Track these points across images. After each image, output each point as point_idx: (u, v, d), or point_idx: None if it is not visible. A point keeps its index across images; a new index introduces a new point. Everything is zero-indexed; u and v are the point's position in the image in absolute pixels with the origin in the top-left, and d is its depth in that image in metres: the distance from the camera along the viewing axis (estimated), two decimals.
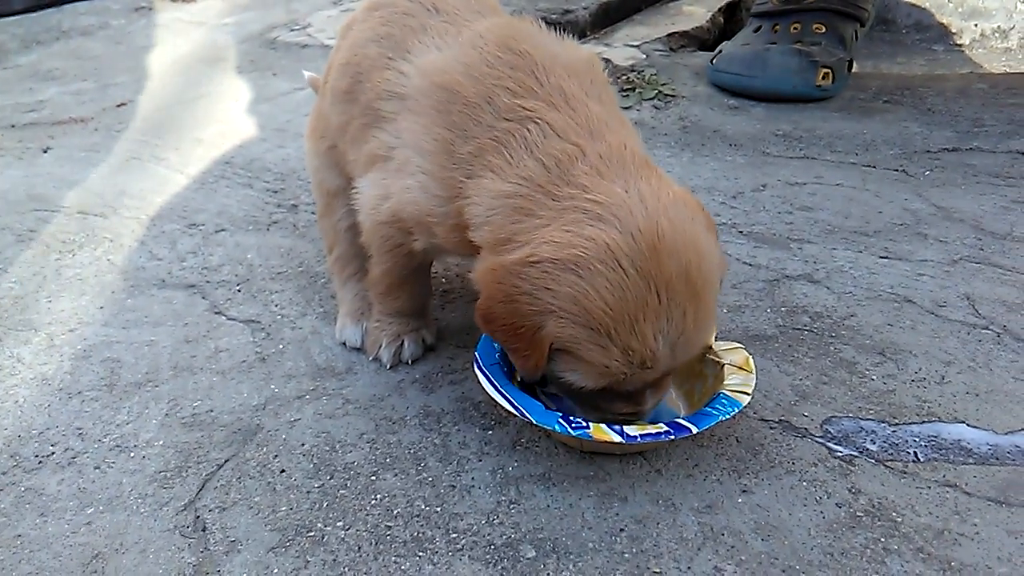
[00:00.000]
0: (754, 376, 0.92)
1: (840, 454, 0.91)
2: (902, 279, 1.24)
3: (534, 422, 0.86)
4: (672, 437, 0.84)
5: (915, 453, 0.91)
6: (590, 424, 0.85)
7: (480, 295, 0.85)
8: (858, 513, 0.84)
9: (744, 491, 0.87)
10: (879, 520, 0.83)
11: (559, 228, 0.80)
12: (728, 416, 0.86)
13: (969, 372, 1.04)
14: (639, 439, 0.83)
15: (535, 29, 0.95)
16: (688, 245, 0.79)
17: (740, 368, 0.94)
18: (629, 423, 0.87)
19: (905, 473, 0.89)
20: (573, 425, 0.85)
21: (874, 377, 1.03)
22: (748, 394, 0.89)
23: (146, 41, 2.66)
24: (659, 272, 0.77)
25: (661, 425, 0.85)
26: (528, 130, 0.86)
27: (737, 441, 0.93)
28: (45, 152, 1.84)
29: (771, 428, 0.95)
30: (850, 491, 0.86)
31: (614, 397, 0.86)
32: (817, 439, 0.93)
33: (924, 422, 0.96)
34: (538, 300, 0.79)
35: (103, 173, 1.71)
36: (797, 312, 1.16)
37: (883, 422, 0.96)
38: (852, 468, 0.89)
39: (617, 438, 0.83)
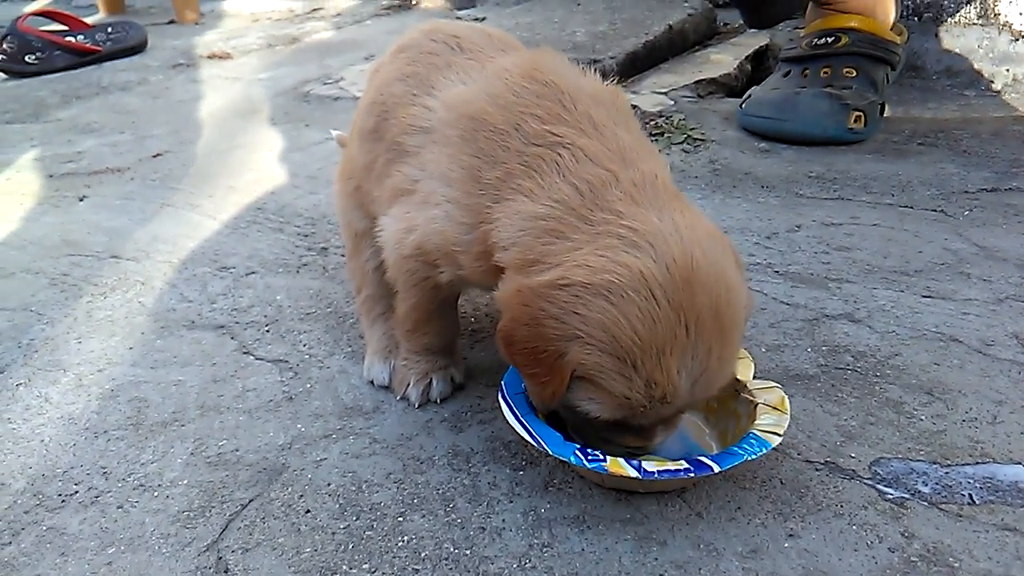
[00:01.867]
0: (788, 417, 0.88)
1: (891, 496, 0.86)
2: (947, 318, 1.20)
3: (550, 452, 0.83)
4: (692, 475, 0.81)
5: (970, 495, 0.86)
6: (607, 458, 0.82)
7: (503, 317, 0.83)
8: (912, 558, 0.79)
9: (791, 535, 0.82)
10: (935, 566, 0.78)
11: (592, 252, 0.78)
12: (754, 457, 0.82)
13: (1022, 412, 0.99)
14: (657, 475, 0.80)
15: (559, 61, 0.95)
16: (720, 280, 0.78)
17: (774, 408, 0.90)
18: (634, 456, 0.84)
19: (961, 516, 0.83)
20: (589, 458, 0.82)
21: (923, 417, 0.98)
22: (779, 435, 0.85)
23: (183, 95, 2.73)
24: (691, 305, 0.75)
25: (682, 462, 0.82)
26: (559, 155, 0.85)
27: (782, 483, 0.89)
28: (81, 200, 1.87)
29: (817, 470, 0.90)
30: (903, 535, 0.81)
31: (624, 430, 0.83)
32: (866, 481, 0.89)
33: (978, 463, 0.91)
34: (565, 324, 0.77)
35: (137, 220, 1.73)
36: (839, 351, 1.12)
37: (934, 463, 0.91)
38: (904, 511, 0.84)
39: (634, 473, 0.80)
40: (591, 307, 0.76)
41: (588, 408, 0.80)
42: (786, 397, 0.91)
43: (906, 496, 0.86)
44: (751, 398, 0.93)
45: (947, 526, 0.82)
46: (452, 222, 0.90)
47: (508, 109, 0.89)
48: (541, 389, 0.81)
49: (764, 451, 0.83)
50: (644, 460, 0.83)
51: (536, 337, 0.78)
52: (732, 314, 0.78)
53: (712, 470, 0.81)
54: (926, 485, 0.88)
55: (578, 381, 0.79)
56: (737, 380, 0.94)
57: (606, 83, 0.96)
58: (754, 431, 0.87)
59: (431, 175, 0.94)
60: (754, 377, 0.96)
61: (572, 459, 0.82)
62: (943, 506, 0.85)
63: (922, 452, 0.93)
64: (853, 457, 0.92)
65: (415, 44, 1.07)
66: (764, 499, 0.87)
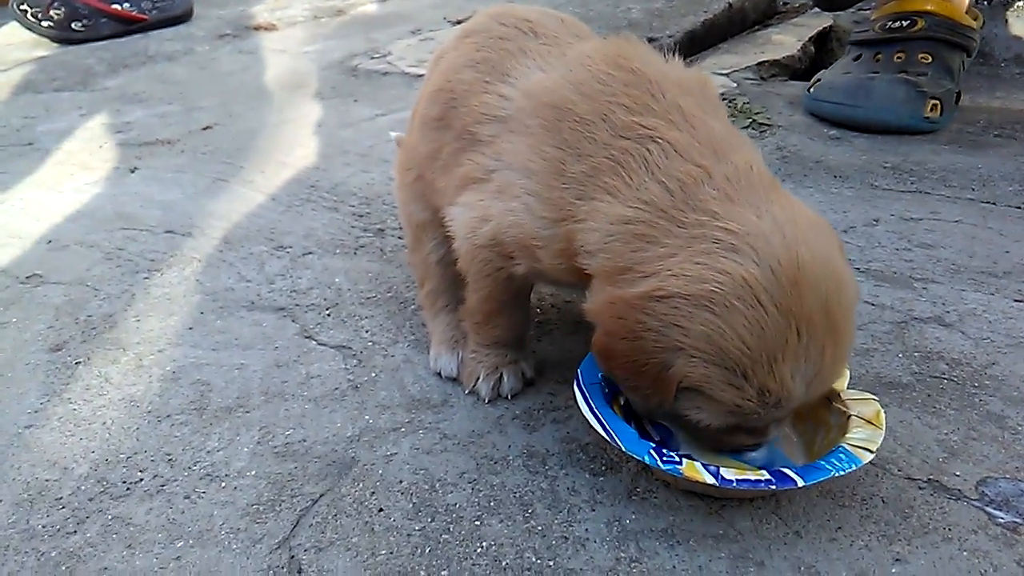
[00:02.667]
0: (882, 433, 0.83)
1: (1002, 521, 0.81)
2: None
3: (623, 449, 0.80)
4: (773, 487, 0.76)
5: None
6: (683, 460, 0.78)
7: (597, 330, 0.79)
8: None
9: (897, 559, 0.77)
10: None
11: (688, 259, 0.74)
12: (842, 473, 0.77)
13: None
14: (735, 484, 0.76)
15: (643, 48, 0.90)
16: (828, 276, 0.73)
17: (868, 422, 0.85)
18: (752, 451, 0.83)
19: None
20: (664, 459, 0.79)
21: None
22: (872, 451, 0.80)
23: (230, 67, 2.69)
24: (800, 308, 0.71)
25: (763, 472, 0.78)
26: (648, 150, 0.80)
27: (883, 502, 0.84)
28: (132, 172, 1.84)
29: (920, 488, 0.85)
30: (1019, 564, 0.76)
31: (736, 431, 0.80)
32: (974, 502, 0.83)
33: None
34: (666, 337, 0.73)
35: (190, 194, 1.70)
36: (932, 358, 1.06)
37: None
38: (1018, 537, 0.79)
39: (711, 480, 0.76)
40: (693, 319, 0.72)
41: (697, 417, 0.77)
42: (882, 411, 0.86)
43: (1019, 521, 0.81)
44: (844, 409, 0.88)
45: None
46: (532, 215, 0.86)
47: (594, 98, 0.85)
48: (645, 400, 0.78)
49: (854, 467, 0.78)
50: (723, 467, 0.78)
51: (636, 351, 0.74)
52: (844, 310, 0.75)
53: (795, 484, 0.76)
54: None
55: (685, 391, 0.75)
56: (831, 388, 0.89)
57: (692, 69, 0.91)
58: (844, 445, 0.81)
59: (508, 165, 0.90)
60: (848, 386, 0.91)
61: (646, 458, 0.79)
62: None
63: None
64: (958, 475, 0.87)
65: (483, 29, 1.03)
66: (866, 519, 0.82)
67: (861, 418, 0.85)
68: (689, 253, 0.74)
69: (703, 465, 0.78)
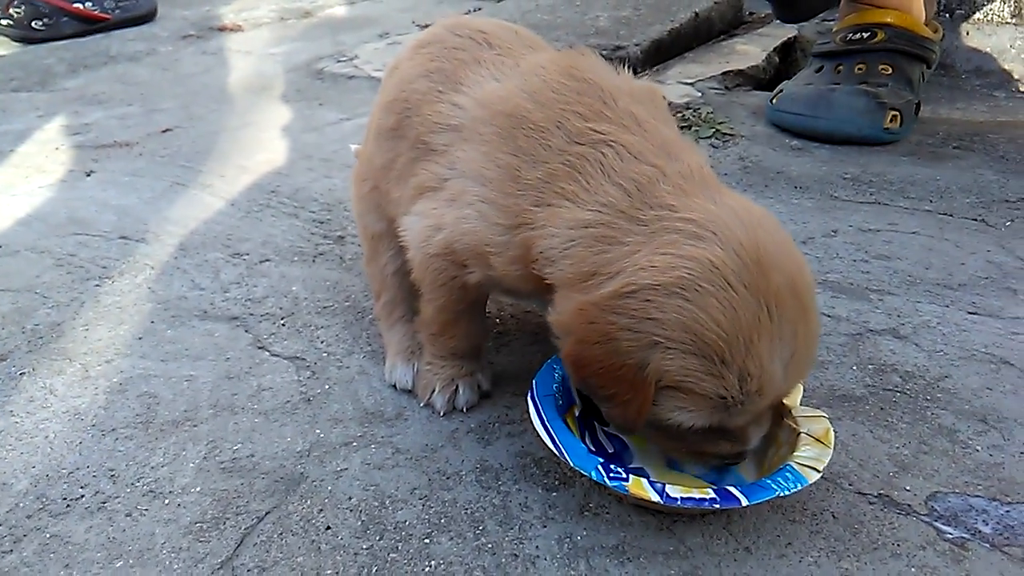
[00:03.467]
0: (830, 452, 0.82)
1: (950, 536, 0.81)
2: (996, 338, 1.14)
3: (571, 464, 0.80)
4: (717, 506, 0.76)
5: None
6: (629, 477, 0.78)
7: (568, 340, 0.78)
8: None
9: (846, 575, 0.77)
10: None
11: (653, 252, 0.74)
12: (786, 493, 0.77)
13: None
14: (680, 502, 0.76)
15: (595, 60, 0.92)
16: (789, 258, 0.75)
17: (818, 440, 0.84)
18: (734, 464, 0.83)
19: None
20: (611, 475, 0.78)
21: (978, 448, 0.93)
22: (818, 471, 0.79)
23: (193, 68, 2.65)
24: (767, 287, 0.71)
25: (708, 490, 0.77)
26: (603, 153, 0.81)
27: (834, 517, 0.84)
28: (88, 175, 1.80)
29: (870, 503, 0.85)
30: None
31: (718, 437, 0.79)
32: (923, 518, 0.83)
33: None
34: (640, 333, 0.72)
35: (146, 198, 1.67)
36: (886, 371, 1.07)
37: (994, 500, 0.86)
38: (966, 553, 0.79)
39: (656, 497, 0.76)
40: (666, 308, 0.71)
41: (680, 419, 0.75)
42: (832, 430, 0.85)
43: (966, 536, 0.81)
44: (795, 426, 0.87)
45: (1013, 572, 0.77)
46: (486, 222, 0.86)
47: (548, 106, 0.86)
48: (625, 410, 0.76)
49: (799, 487, 0.78)
50: (669, 484, 0.78)
51: (611, 354, 0.73)
52: (809, 291, 0.75)
53: (739, 502, 0.76)
54: (987, 524, 0.82)
55: (664, 392, 0.74)
56: (782, 404, 0.89)
57: (642, 81, 0.93)
58: (792, 463, 0.81)
59: (462, 174, 0.90)
60: (802, 400, 0.91)
61: (593, 474, 0.79)
62: (1006, 549, 0.80)
63: (980, 487, 0.87)
64: (908, 490, 0.87)
65: (438, 39, 1.03)
66: (816, 534, 0.82)
67: (811, 436, 0.85)
68: (653, 247, 0.74)
69: (649, 482, 0.78)
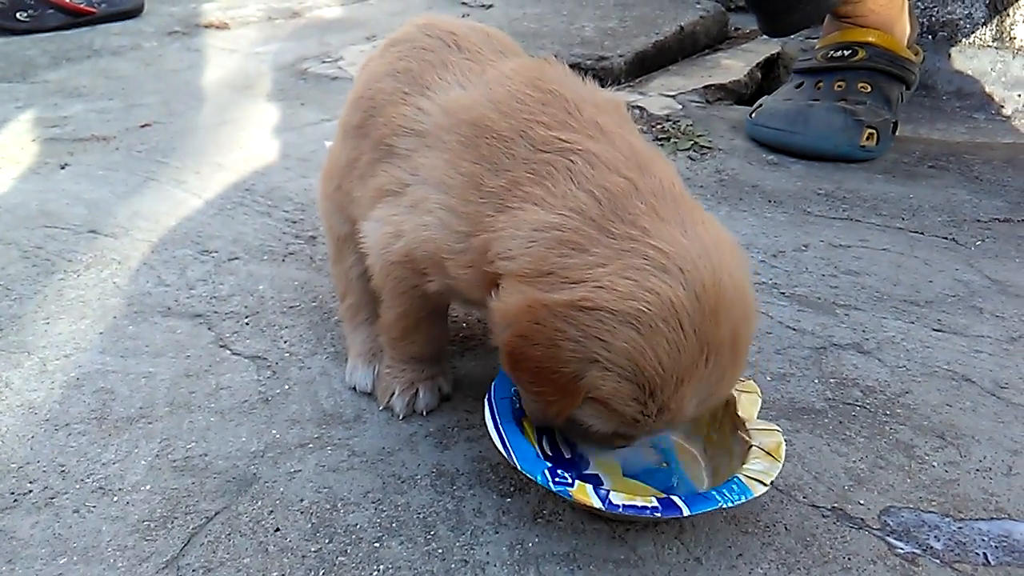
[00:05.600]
0: (780, 466, 0.82)
1: (901, 551, 0.81)
2: (959, 355, 1.15)
3: (518, 468, 0.80)
4: (659, 515, 0.76)
5: (984, 555, 0.81)
6: (574, 483, 0.78)
7: (507, 331, 0.77)
8: None
9: None
10: None
11: (618, 273, 0.73)
12: (729, 505, 0.77)
13: None
14: (621, 509, 0.76)
15: (562, 70, 0.91)
16: (742, 308, 0.76)
17: (768, 454, 0.84)
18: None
19: None
20: (556, 480, 0.78)
21: (934, 464, 0.93)
22: (765, 484, 0.79)
23: (177, 64, 2.63)
24: (714, 337, 0.73)
25: (652, 499, 0.77)
26: (572, 160, 0.80)
27: (786, 529, 0.83)
28: (63, 168, 1.78)
29: (824, 516, 0.85)
30: None
31: (615, 435, 0.82)
32: (875, 532, 0.83)
33: (992, 519, 0.86)
34: (584, 349, 0.73)
35: (119, 192, 1.65)
36: (847, 385, 1.07)
37: (947, 516, 0.86)
38: (915, 569, 0.79)
39: (598, 504, 0.76)
40: (617, 335, 0.72)
41: (591, 423, 0.78)
42: (783, 444, 0.85)
43: (917, 552, 0.81)
44: (747, 438, 0.87)
45: None
46: (446, 230, 0.85)
47: (512, 116, 0.85)
48: (547, 408, 0.78)
49: (743, 500, 0.77)
50: (613, 491, 0.78)
51: (550, 358, 0.74)
52: (746, 343, 0.78)
53: (680, 512, 0.76)
54: (938, 540, 0.82)
55: (587, 401, 0.76)
56: (738, 416, 0.89)
57: (607, 92, 0.93)
58: (739, 476, 0.81)
59: (424, 180, 0.89)
60: (760, 412, 0.90)
61: (539, 478, 0.79)
62: (956, 565, 0.80)
63: (934, 503, 0.87)
64: (862, 504, 0.87)
65: (408, 39, 1.02)
66: (767, 546, 0.81)
67: (762, 449, 0.85)
68: (619, 266, 0.73)
69: (595, 488, 0.78)
